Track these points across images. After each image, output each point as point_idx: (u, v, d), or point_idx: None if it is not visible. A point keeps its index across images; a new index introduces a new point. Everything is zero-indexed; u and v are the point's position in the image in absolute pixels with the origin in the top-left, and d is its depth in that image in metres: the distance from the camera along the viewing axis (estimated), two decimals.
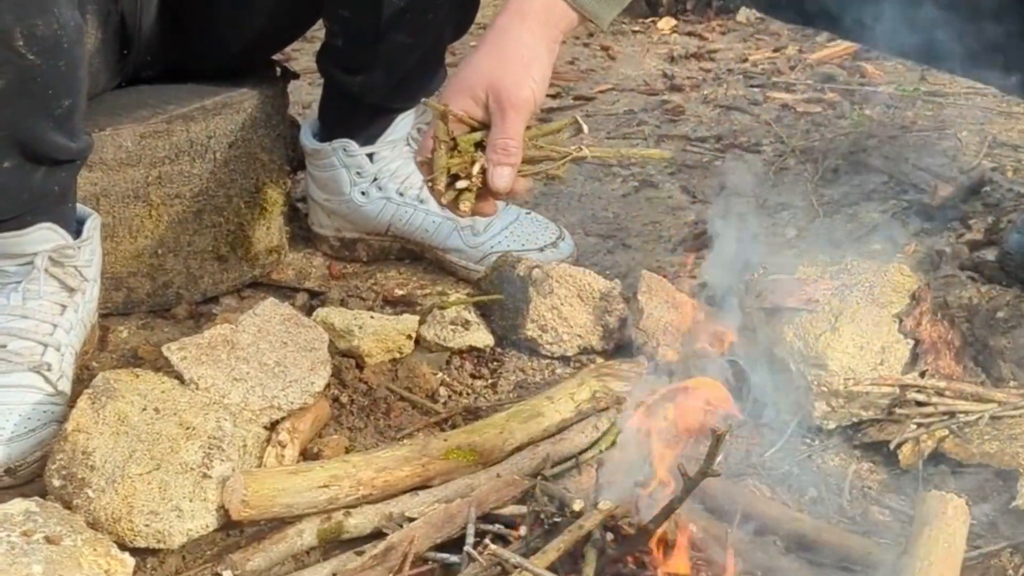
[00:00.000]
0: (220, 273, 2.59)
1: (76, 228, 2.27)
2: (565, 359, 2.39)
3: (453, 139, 1.95)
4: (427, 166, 1.97)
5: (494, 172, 1.93)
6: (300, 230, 2.79)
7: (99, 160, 2.41)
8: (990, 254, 2.68)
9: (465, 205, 1.95)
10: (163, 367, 2.25)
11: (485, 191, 1.96)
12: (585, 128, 2.02)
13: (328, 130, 2.67)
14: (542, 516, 1.88)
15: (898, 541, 1.99)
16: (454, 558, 1.89)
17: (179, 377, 2.13)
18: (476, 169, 1.94)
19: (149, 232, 2.49)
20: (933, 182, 2.94)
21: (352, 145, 2.63)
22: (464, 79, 1.98)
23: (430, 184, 1.96)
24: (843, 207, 2.89)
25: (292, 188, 2.80)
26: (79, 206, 2.32)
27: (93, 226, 2.29)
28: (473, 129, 1.96)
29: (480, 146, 1.95)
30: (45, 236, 2.20)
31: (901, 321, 2.21)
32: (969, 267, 2.63)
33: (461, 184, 1.95)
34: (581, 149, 2.00)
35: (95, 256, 2.31)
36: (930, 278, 2.50)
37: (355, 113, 2.64)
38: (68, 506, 1.93)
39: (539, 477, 2.06)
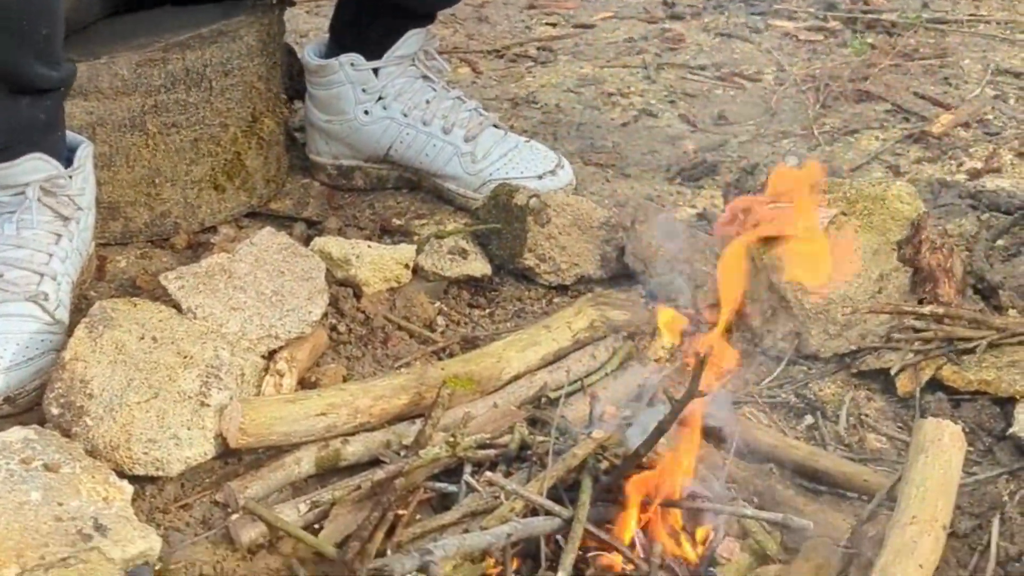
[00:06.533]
0: (218, 203, 2.57)
1: (68, 156, 2.26)
2: (563, 288, 2.38)
3: None
4: None
5: None
6: (298, 160, 2.77)
7: (95, 89, 2.40)
8: (990, 182, 2.66)
9: None
10: (161, 296, 2.25)
11: None
12: None
13: (336, 44, 2.65)
14: (537, 445, 1.89)
15: (894, 468, 1.99)
16: (452, 487, 1.90)
17: (177, 306, 2.13)
18: None
19: (146, 161, 2.48)
20: (935, 110, 2.92)
21: (359, 59, 2.60)
22: None
23: None
24: (844, 135, 2.87)
25: (290, 117, 2.78)
26: (71, 134, 2.30)
27: (85, 154, 2.28)
28: None
29: None
30: (36, 166, 2.18)
31: (900, 249, 2.20)
32: (969, 196, 2.62)
33: None
34: None
35: (88, 184, 2.30)
36: (930, 207, 2.48)
37: (370, 23, 2.61)
38: (67, 434, 1.94)
39: (535, 407, 2.08)
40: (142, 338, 2.02)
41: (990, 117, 2.90)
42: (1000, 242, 2.49)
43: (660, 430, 1.73)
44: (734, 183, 2.64)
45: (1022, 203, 2.57)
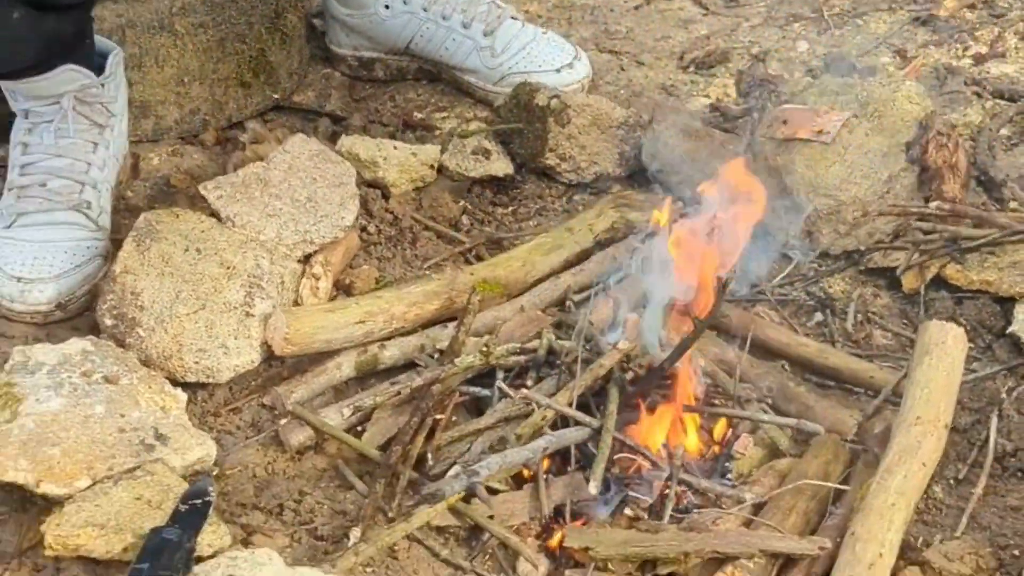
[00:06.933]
0: (244, 99, 2.65)
1: (99, 64, 2.33)
2: (583, 185, 2.48)
3: None
4: None
5: None
6: (318, 50, 2.83)
7: None
8: (995, 68, 2.74)
9: None
10: (195, 195, 2.35)
11: None
12: None
13: None
14: (565, 353, 2.01)
15: (899, 364, 2.12)
16: (485, 391, 2.02)
17: (216, 215, 2.23)
18: None
19: (175, 61, 2.55)
20: None
21: None
22: None
23: None
24: (852, 18, 2.92)
25: (308, 3, 2.82)
26: (101, 40, 2.37)
27: (116, 62, 2.35)
28: None
29: None
30: (69, 77, 2.26)
31: (908, 149, 2.29)
32: (974, 83, 2.69)
33: None
34: None
35: (120, 91, 2.37)
36: (936, 102, 2.56)
37: None
38: (121, 344, 2.05)
39: (560, 310, 2.19)
40: (186, 250, 2.13)
41: None
42: (1004, 131, 2.57)
43: (683, 347, 1.85)
44: (746, 71, 2.71)
45: None
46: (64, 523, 1.75)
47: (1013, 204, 2.38)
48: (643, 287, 2.10)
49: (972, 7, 2.92)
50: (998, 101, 2.64)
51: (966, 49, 2.80)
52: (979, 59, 2.76)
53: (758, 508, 1.88)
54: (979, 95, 2.65)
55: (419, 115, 2.67)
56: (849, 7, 2.96)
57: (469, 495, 1.80)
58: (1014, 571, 1.79)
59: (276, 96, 2.69)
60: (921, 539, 1.86)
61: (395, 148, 2.45)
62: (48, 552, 1.75)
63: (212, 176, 2.48)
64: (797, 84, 2.45)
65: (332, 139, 2.57)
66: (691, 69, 2.78)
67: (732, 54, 2.81)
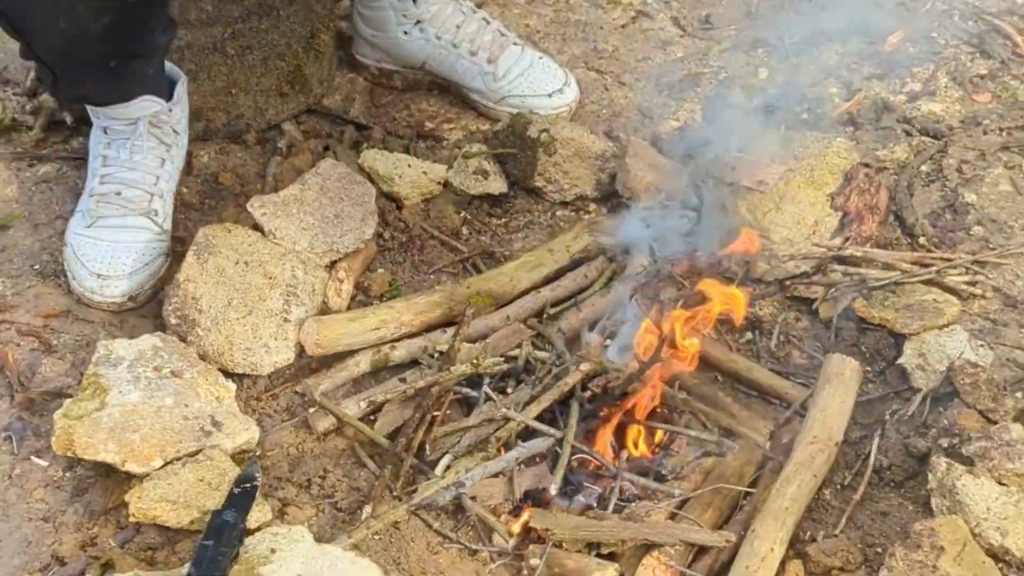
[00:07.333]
0: (281, 105, 3.10)
1: (168, 89, 2.78)
2: (564, 203, 2.95)
3: None
4: None
5: None
6: (346, 56, 3.27)
7: (184, 20, 2.89)
8: (924, 105, 3.18)
9: None
10: (239, 193, 2.84)
11: None
12: None
13: None
14: (539, 367, 2.52)
15: (810, 381, 2.62)
16: (474, 393, 2.53)
17: (260, 228, 2.70)
18: None
19: (224, 76, 3.00)
20: (890, 24, 3.39)
21: None
22: None
23: None
24: (810, 47, 3.34)
25: (337, 23, 3.25)
26: (169, 65, 2.81)
27: (182, 90, 2.80)
28: None
29: None
30: (145, 105, 2.72)
31: (833, 199, 2.76)
32: (905, 120, 3.13)
33: None
34: None
35: (184, 114, 2.83)
36: (873, 128, 2.99)
37: None
38: (183, 339, 2.55)
39: (539, 320, 2.68)
40: (237, 263, 2.61)
41: (935, 35, 3.38)
42: (924, 167, 3.03)
43: (629, 380, 2.35)
44: (711, 96, 3.17)
45: (947, 129, 3.10)
46: (144, 497, 2.27)
47: (922, 239, 2.86)
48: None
49: (914, 42, 3.34)
50: (923, 138, 3.09)
51: (903, 85, 3.23)
52: (913, 96, 3.20)
53: (684, 503, 2.40)
54: (908, 132, 3.10)
55: (430, 125, 3.13)
56: (808, 36, 3.38)
57: (457, 504, 2.33)
58: (875, 565, 2.31)
59: (308, 101, 3.15)
60: (809, 534, 2.37)
61: (408, 166, 2.92)
62: (131, 519, 2.27)
63: (253, 172, 2.98)
64: (747, 133, 2.90)
65: (355, 146, 3.04)
66: (665, 93, 3.22)
67: (702, 79, 3.25)
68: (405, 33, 3.13)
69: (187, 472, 2.31)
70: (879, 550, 2.34)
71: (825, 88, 3.23)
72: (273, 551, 2.15)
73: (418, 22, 3.12)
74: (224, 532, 2.16)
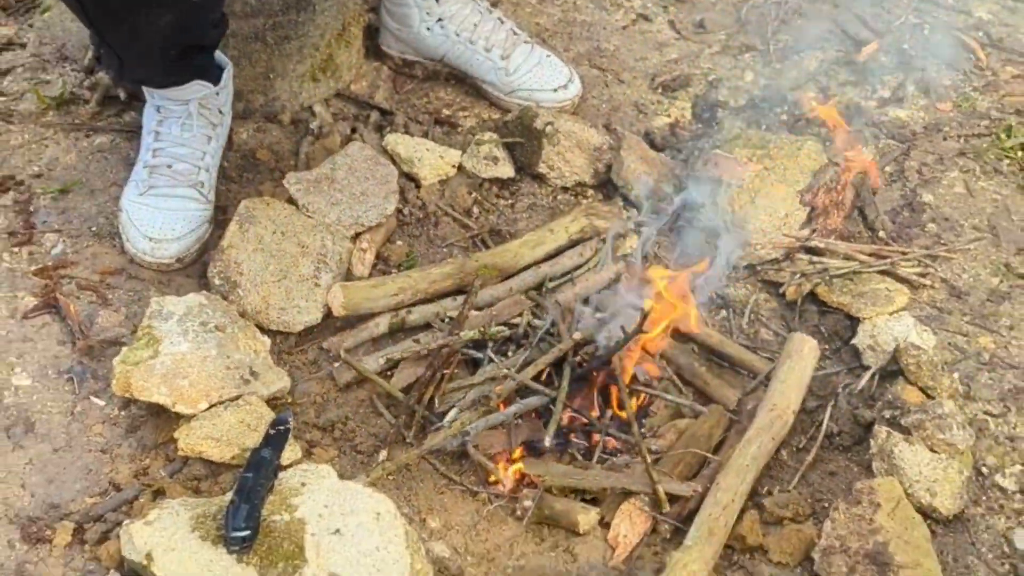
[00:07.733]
0: (313, 89, 3.44)
1: (217, 74, 3.11)
2: (565, 188, 3.30)
3: None
4: None
5: None
6: (373, 46, 3.60)
7: (231, 11, 3.22)
8: (892, 111, 3.52)
9: None
10: (274, 168, 3.19)
11: None
12: None
13: None
14: (537, 333, 2.87)
15: (774, 356, 2.97)
16: (479, 355, 2.88)
17: (294, 202, 3.05)
18: None
19: (264, 63, 3.34)
20: (866, 34, 3.72)
21: None
22: None
23: None
24: (793, 53, 3.68)
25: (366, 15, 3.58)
26: (219, 55, 3.14)
27: (229, 75, 3.14)
28: None
29: None
30: (197, 88, 3.05)
31: (802, 196, 3.11)
32: (874, 124, 3.48)
33: None
34: None
35: (229, 97, 3.17)
36: (840, 139, 3.35)
37: None
38: (225, 299, 2.90)
39: (538, 292, 3.03)
40: (274, 232, 2.96)
41: (906, 46, 3.71)
42: (888, 168, 3.38)
43: (616, 348, 2.71)
44: (700, 96, 3.51)
45: (911, 134, 3.44)
46: (191, 435, 2.62)
47: (882, 233, 3.20)
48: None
49: (887, 52, 3.68)
50: (889, 141, 3.44)
51: (874, 91, 3.57)
52: (882, 102, 3.54)
53: (658, 459, 2.76)
54: (876, 137, 3.44)
55: (447, 112, 3.47)
56: (793, 42, 3.72)
57: (461, 451, 2.68)
58: (821, 517, 2.67)
59: (338, 86, 3.49)
60: (766, 488, 2.73)
61: (427, 150, 3.27)
62: (180, 453, 2.62)
63: (287, 150, 3.32)
64: (730, 132, 3.24)
65: (379, 130, 3.38)
66: (659, 91, 3.56)
67: (693, 79, 3.59)
68: (427, 29, 3.47)
69: (229, 414, 2.66)
70: (825, 504, 2.69)
71: (804, 92, 3.57)
72: (303, 484, 2.51)
73: (439, 20, 3.45)
74: (262, 466, 2.52)
